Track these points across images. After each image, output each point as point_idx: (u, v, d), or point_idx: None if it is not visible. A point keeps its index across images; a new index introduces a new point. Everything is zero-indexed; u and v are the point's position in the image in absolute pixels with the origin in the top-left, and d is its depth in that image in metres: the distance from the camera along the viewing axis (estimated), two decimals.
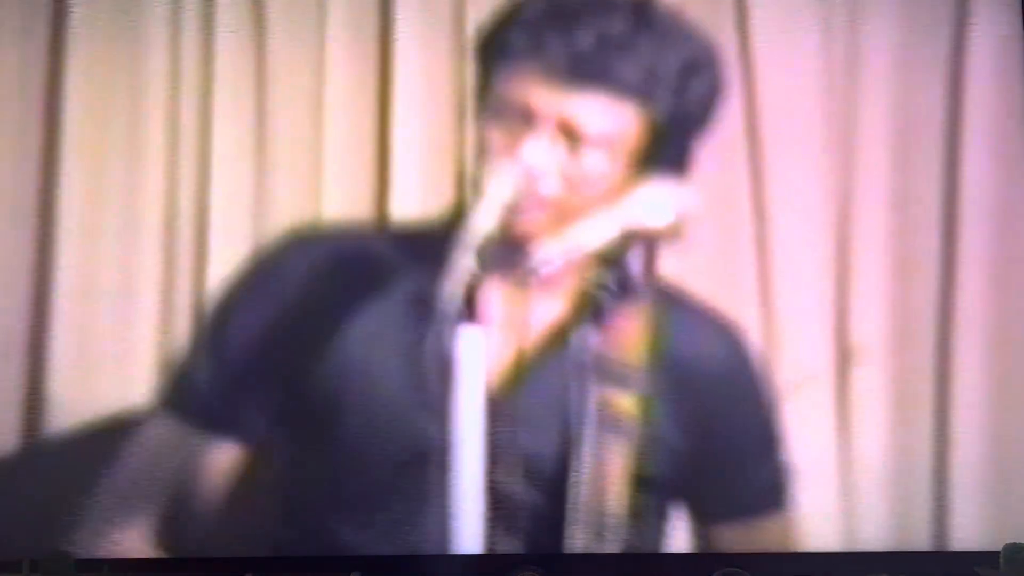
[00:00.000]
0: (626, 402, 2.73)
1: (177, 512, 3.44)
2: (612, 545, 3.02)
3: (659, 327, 2.78)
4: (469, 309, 2.66)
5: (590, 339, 2.61)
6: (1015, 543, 3.40)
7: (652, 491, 2.85)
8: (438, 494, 3.26)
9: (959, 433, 4.09)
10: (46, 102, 4.39)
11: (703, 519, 3.05)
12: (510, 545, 3.20)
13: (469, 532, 3.37)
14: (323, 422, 3.38)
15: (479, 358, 2.64)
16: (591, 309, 2.55)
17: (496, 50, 2.78)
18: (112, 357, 4.11)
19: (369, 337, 3.01)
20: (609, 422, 2.75)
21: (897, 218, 4.08)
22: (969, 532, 4.03)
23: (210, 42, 4.33)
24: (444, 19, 4.10)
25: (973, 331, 4.10)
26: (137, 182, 4.25)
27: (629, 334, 2.75)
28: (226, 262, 4.11)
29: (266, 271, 2.98)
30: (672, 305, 2.89)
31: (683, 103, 2.72)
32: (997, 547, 3.57)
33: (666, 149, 2.76)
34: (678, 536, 3.27)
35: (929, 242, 4.10)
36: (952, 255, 4.09)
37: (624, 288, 2.59)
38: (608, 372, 2.75)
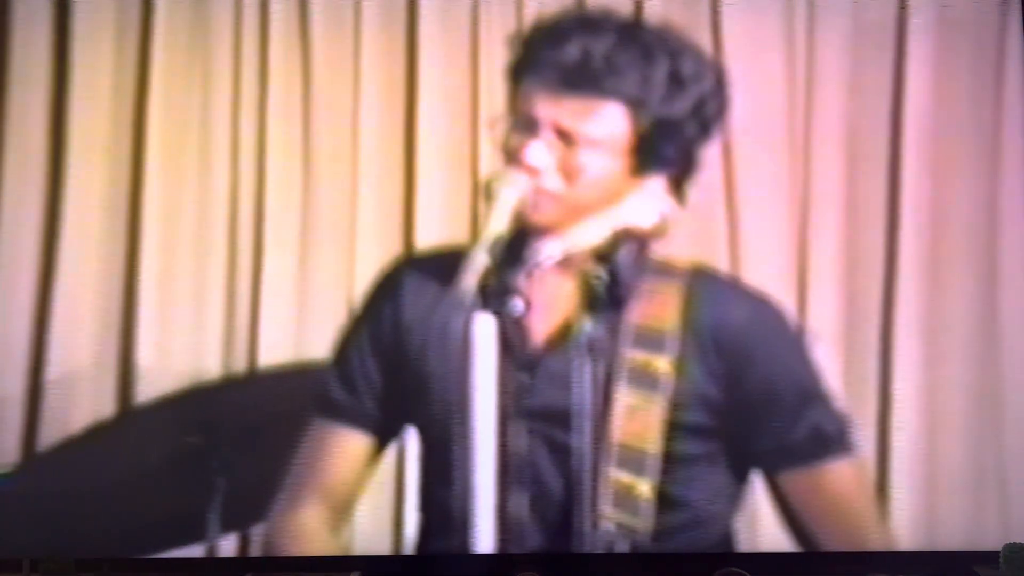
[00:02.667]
0: (661, 362, 2.92)
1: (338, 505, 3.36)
2: (647, 486, 2.93)
3: (692, 298, 2.97)
4: (484, 298, 2.85)
5: (589, 323, 2.78)
6: (1015, 543, 3.26)
7: (690, 437, 2.97)
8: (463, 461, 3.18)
9: (898, 400, 4.27)
10: (136, 103, 4.52)
11: (762, 467, 3.06)
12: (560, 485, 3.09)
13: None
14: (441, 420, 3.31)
15: (493, 340, 2.85)
16: (589, 297, 2.76)
17: (514, 72, 3.00)
18: (188, 331, 4.29)
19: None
20: (643, 380, 2.91)
21: (848, 220, 4.31)
22: (905, 497, 4.17)
23: (265, 59, 4.54)
24: (463, 46, 4.36)
25: (911, 318, 4.32)
26: (208, 182, 4.49)
27: (664, 305, 2.94)
28: (281, 249, 4.36)
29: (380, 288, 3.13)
30: (704, 279, 3.06)
31: (673, 109, 2.92)
32: (990, 544, 3.56)
33: (664, 150, 2.95)
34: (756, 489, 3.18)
35: (875, 240, 4.32)
36: (894, 252, 4.31)
37: (615, 279, 2.78)
38: (643, 338, 2.93)
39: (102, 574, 3.48)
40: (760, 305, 3.02)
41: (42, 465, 3.62)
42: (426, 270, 3.00)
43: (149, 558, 3.62)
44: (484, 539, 2.81)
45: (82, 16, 4.62)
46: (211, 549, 3.73)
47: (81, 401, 4.08)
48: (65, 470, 3.62)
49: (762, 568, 3.28)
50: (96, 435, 3.64)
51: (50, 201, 4.49)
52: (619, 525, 2.89)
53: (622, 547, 2.96)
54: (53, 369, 4.21)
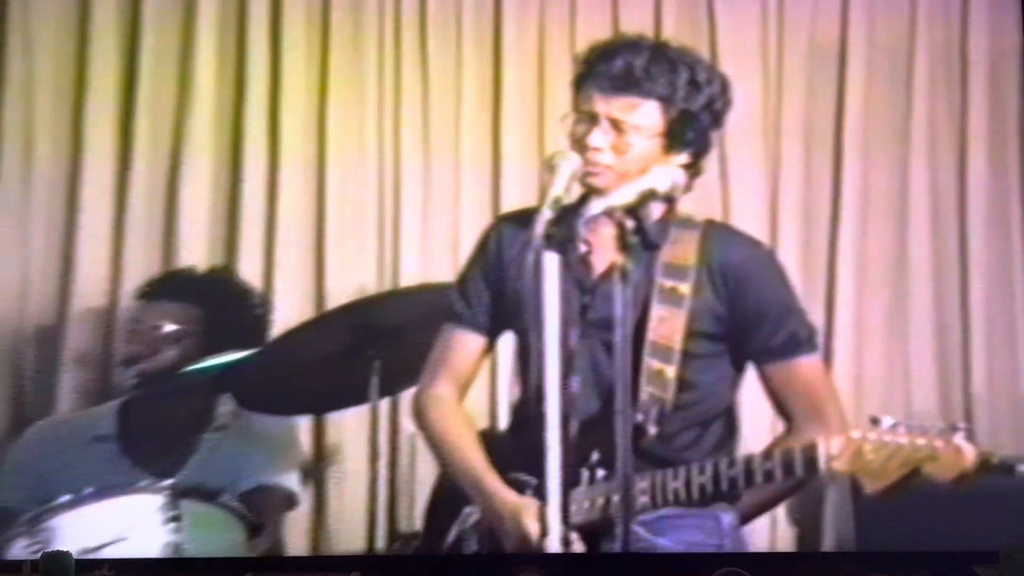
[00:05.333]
0: (683, 287, 2.67)
1: None
2: (672, 371, 2.62)
3: (706, 243, 2.72)
4: (550, 242, 2.59)
5: (631, 260, 2.55)
6: (1015, 543, 2.52)
7: (702, 339, 2.71)
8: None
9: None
10: (235, 97, 3.92)
11: (754, 361, 2.73)
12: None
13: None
14: None
15: (559, 272, 2.59)
16: (624, 240, 2.50)
17: (577, 81, 2.79)
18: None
19: None
20: (670, 300, 2.66)
21: (806, 188, 4.02)
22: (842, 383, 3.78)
23: (399, 69, 4.00)
24: (534, 62, 3.99)
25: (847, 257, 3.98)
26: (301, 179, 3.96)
27: (685, 248, 2.70)
28: (355, 251, 3.91)
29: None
30: (715, 229, 2.80)
31: (692, 105, 2.68)
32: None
33: (687, 137, 2.71)
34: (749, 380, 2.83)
35: (825, 203, 4.01)
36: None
37: (642, 227, 2.54)
38: (670, 271, 2.68)
39: (102, 574, 2.71)
40: (755, 247, 2.94)
41: (265, 351, 3.31)
42: (515, 223, 2.81)
43: (149, 558, 2.94)
44: (552, 408, 2.49)
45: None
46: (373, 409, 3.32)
47: (290, 313, 3.69)
48: (279, 354, 3.30)
49: (762, 568, 2.76)
50: (294, 332, 3.32)
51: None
52: (651, 396, 2.63)
53: (651, 418, 2.63)
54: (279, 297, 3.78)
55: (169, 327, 3.36)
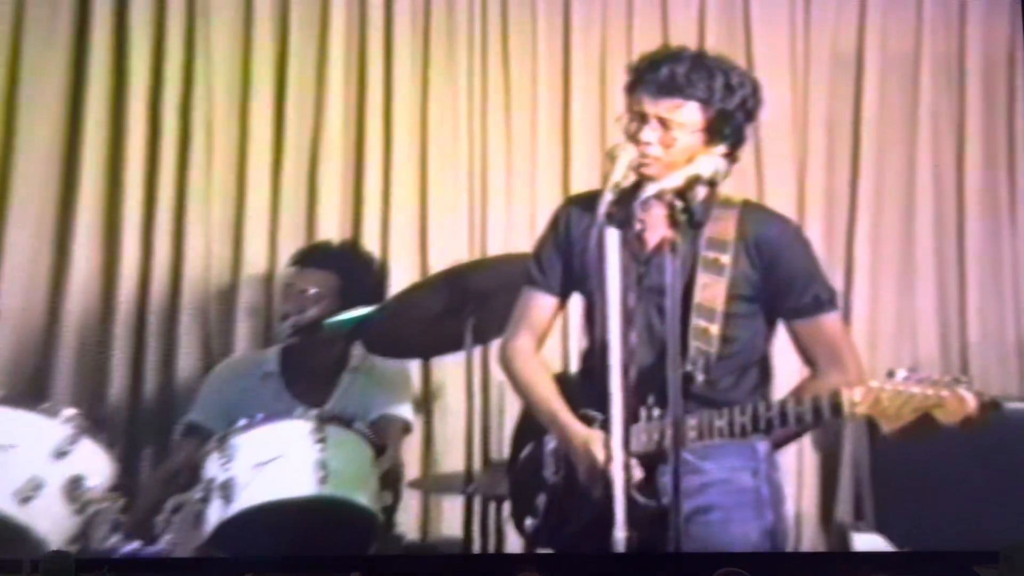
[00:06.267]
0: (724, 258, 2.68)
1: None
2: (715, 328, 2.61)
3: (743, 220, 2.71)
4: (610, 220, 2.62)
5: (679, 236, 2.57)
6: (1015, 543, 2.41)
7: (740, 302, 2.73)
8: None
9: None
10: (315, 93, 3.93)
11: (783, 319, 2.70)
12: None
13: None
14: None
15: (619, 246, 2.62)
16: (674, 219, 2.53)
17: (630, 87, 2.79)
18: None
19: None
20: (713, 268, 2.68)
21: (829, 198, 4.01)
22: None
23: (486, 72, 4.02)
24: (595, 71, 4.01)
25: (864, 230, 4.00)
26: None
27: (726, 225, 2.71)
28: (452, 227, 3.94)
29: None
30: (750, 208, 2.80)
31: (728, 105, 2.67)
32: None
33: (725, 131, 2.70)
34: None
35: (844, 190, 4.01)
36: (853, 221, 3.95)
37: (689, 208, 2.56)
38: (713, 244, 2.69)
39: (102, 574, 2.61)
40: (785, 223, 2.89)
41: (385, 308, 3.37)
42: (581, 204, 2.82)
43: (149, 558, 2.86)
44: (615, 358, 2.54)
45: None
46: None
47: (402, 278, 3.75)
48: (395, 310, 3.35)
49: (762, 568, 2.53)
50: (405, 293, 3.40)
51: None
52: (698, 349, 2.61)
53: (699, 367, 2.63)
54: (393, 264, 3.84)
55: (313, 290, 3.46)
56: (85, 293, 3.75)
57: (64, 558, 2.49)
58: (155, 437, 3.69)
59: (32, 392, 3.52)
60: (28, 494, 2.80)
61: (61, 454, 2.89)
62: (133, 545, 2.92)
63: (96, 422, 3.14)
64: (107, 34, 3.78)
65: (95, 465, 2.96)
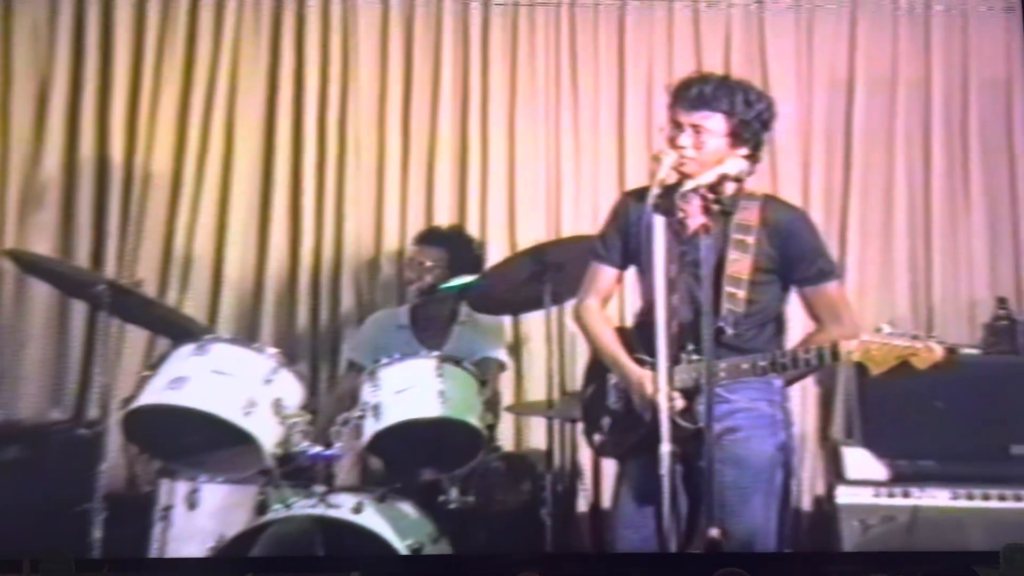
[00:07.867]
0: (748, 239, 2.57)
1: None
2: (742, 293, 2.51)
3: (764, 210, 2.60)
4: (657, 209, 2.52)
5: (710, 221, 2.48)
6: (1015, 543, 2.12)
7: (762, 273, 2.64)
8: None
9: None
10: (431, 110, 3.88)
11: (795, 286, 2.60)
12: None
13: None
14: None
15: (664, 230, 2.52)
16: (706, 210, 2.44)
17: (671, 103, 2.68)
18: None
19: None
20: (740, 247, 2.58)
21: (828, 191, 3.90)
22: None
23: (513, 82, 3.95)
24: (643, 92, 3.93)
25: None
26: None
27: (750, 214, 2.60)
28: (534, 214, 3.89)
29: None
30: (770, 200, 2.70)
31: (748, 116, 2.57)
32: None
33: (745, 136, 2.60)
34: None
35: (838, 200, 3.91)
36: (846, 210, 3.87)
37: (720, 201, 2.46)
38: (739, 229, 2.60)
39: (102, 574, 2.27)
40: (796, 211, 2.82)
41: (484, 276, 3.36)
42: (635, 197, 2.76)
43: (149, 558, 2.60)
44: (660, 315, 2.46)
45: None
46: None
47: (495, 253, 3.72)
48: (491, 279, 3.32)
49: (762, 568, 2.22)
50: (499, 265, 3.40)
51: None
52: (728, 309, 2.51)
53: (728, 323, 2.52)
54: (489, 242, 3.80)
55: (429, 262, 3.51)
56: (277, 263, 3.86)
57: (64, 558, 2.02)
58: (329, 369, 3.82)
59: (248, 334, 3.64)
60: (248, 409, 2.87)
61: (268, 381, 2.96)
62: (316, 448, 2.97)
63: (290, 358, 3.21)
64: (291, 70, 3.84)
65: (291, 390, 3.03)
